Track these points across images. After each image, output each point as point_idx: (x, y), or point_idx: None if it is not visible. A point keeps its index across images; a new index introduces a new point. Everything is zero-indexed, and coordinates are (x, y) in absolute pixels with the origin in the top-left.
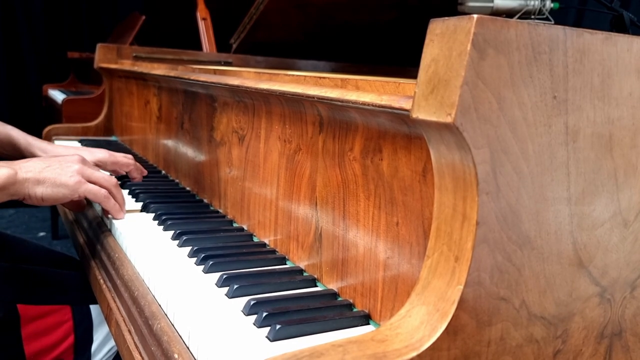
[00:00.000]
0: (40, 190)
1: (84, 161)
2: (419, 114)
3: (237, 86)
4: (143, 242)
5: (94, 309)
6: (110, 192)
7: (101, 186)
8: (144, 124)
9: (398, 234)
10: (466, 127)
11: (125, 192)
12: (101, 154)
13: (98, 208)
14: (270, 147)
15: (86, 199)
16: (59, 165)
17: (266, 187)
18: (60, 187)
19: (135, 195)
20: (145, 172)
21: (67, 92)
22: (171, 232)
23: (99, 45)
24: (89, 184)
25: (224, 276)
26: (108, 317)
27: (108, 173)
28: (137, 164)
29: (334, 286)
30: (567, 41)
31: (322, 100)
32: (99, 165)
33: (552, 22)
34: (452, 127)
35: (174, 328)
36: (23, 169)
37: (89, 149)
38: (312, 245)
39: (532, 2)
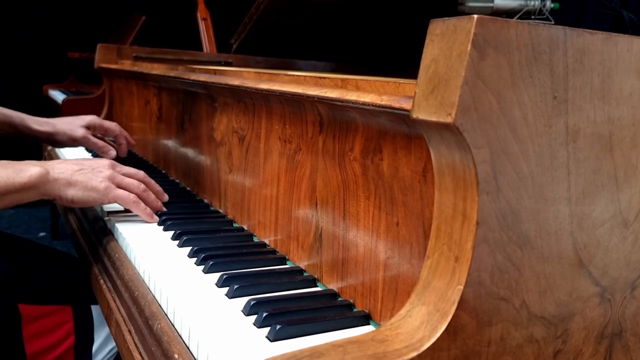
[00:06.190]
0: (71, 193)
1: (114, 166)
2: (419, 114)
3: (237, 86)
4: (143, 242)
5: (95, 310)
6: (139, 197)
7: (130, 191)
8: (144, 124)
9: (398, 234)
10: (466, 127)
11: None
12: (90, 118)
13: (98, 208)
14: (270, 147)
15: None
16: (91, 170)
17: (266, 187)
18: (90, 191)
19: None
20: (133, 142)
21: (67, 92)
22: (171, 232)
23: (99, 45)
24: (118, 189)
25: (224, 276)
26: (108, 317)
27: (133, 174)
28: (124, 131)
29: (334, 286)
30: (567, 41)
31: (322, 100)
32: (90, 128)
33: (552, 22)
34: (452, 127)
35: (174, 328)
36: (55, 169)
37: (81, 116)
38: (312, 245)
39: (532, 2)
